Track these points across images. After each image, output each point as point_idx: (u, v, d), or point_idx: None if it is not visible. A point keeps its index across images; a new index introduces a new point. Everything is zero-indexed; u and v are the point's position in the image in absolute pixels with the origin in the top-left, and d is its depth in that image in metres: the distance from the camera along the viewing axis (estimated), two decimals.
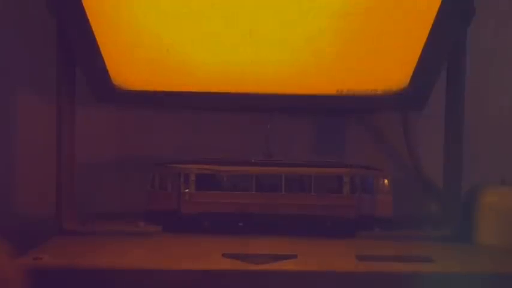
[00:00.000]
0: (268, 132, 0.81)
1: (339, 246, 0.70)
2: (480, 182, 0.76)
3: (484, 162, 0.89)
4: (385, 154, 0.92)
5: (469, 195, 0.76)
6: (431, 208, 0.89)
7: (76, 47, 0.72)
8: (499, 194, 0.74)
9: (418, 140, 0.89)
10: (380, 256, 0.65)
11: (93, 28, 0.71)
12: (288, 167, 0.75)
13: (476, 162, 0.84)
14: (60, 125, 0.73)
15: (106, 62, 0.74)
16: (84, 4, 0.70)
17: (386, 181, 0.76)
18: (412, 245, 0.71)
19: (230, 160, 0.77)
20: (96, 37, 0.72)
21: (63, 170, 0.73)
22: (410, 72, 0.75)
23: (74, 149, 0.75)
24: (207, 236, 0.72)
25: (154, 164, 0.77)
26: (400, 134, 0.89)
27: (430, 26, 0.72)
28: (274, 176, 0.74)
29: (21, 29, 0.89)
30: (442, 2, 0.70)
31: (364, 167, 0.77)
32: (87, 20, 0.71)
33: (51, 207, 0.72)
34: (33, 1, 0.85)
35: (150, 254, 0.64)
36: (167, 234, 0.73)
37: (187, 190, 0.74)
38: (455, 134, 0.75)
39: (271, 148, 0.81)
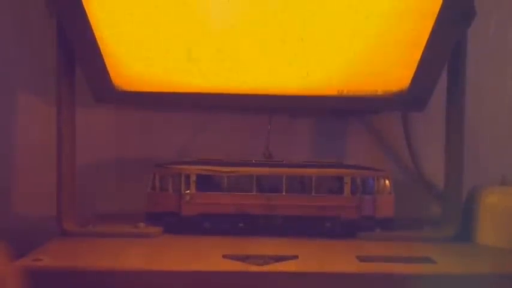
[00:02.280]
0: (269, 132, 0.81)
1: (340, 247, 0.69)
2: (481, 183, 0.76)
3: (485, 162, 0.89)
4: (385, 155, 0.92)
5: (470, 196, 0.76)
6: (432, 209, 0.89)
7: (76, 47, 0.72)
8: (499, 195, 0.73)
9: (419, 141, 0.89)
10: (381, 257, 0.64)
11: (94, 28, 0.71)
12: (288, 167, 0.75)
13: (477, 163, 0.84)
14: (60, 125, 0.72)
15: (106, 62, 0.73)
16: (84, 4, 0.69)
17: (387, 182, 0.75)
18: (413, 245, 0.71)
19: (231, 161, 0.76)
20: (96, 37, 0.72)
21: (64, 171, 0.72)
22: (411, 73, 0.75)
23: (75, 150, 0.75)
24: (208, 237, 0.72)
25: (155, 164, 0.76)
26: (401, 134, 0.89)
27: (431, 27, 0.72)
28: (274, 177, 0.74)
29: (21, 29, 0.89)
30: (442, 3, 0.70)
31: (365, 167, 0.77)
32: (88, 20, 0.70)
33: (51, 208, 0.72)
34: (33, 1, 0.85)
35: (151, 256, 0.64)
36: (168, 236, 0.73)
37: (187, 191, 0.74)
38: (456, 135, 0.75)
39: (272, 149, 0.81)
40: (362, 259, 0.63)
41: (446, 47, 0.73)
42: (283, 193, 0.74)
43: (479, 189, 0.75)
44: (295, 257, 0.64)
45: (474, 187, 0.76)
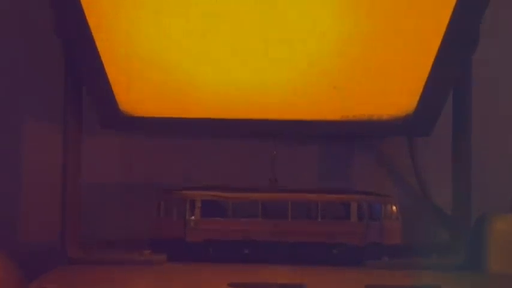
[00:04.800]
0: (274, 158, 0.80)
1: (348, 275, 0.68)
2: (489, 209, 0.75)
3: (494, 188, 0.88)
4: (392, 180, 0.91)
5: (479, 222, 0.75)
6: (441, 235, 0.88)
7: (83, 72, 0.73)
8: (508, 221, 0.73)
9: (426, 166, 0.88)
10: (390, 285, 0.64)
11: (101, 54, 0.71)
12: (294, 193, 0.75)
13: (486, 189, 0.83)
14: (66, 152, 0.72)
15: (113, 88, 0.74)
16: (92, 30, 0.70)
17: (394, 208, 0.74)
18: (422, 273, 0.69)
19: (236, 186, 0.76)
20: (104, 63, 0.72)
21: (69, 198, 0.72)
22: (417, 98, 0.75)
23: (80, 177, 0.74)
24: (213, 265, 0.71)
25: (160, 190, 0.76)
26: (408, 159, 0.88)
27: (436, 51, 0.72)
28: (280, 203, 0.74)
29: (30, 53, 0.89)
30: (447, 28, 0.70)
31: (372, 193, 0.76)
32: (95, 46, 0.71)
33: (56, 235, 0.72)
34: (42, 26, 0.85)
35: (155, 283, 0.63)
36: (172, 263, 0.72)
37: (192, 217, 0.73)
38: (463, 160, 0.74)
39: (277, 174, 0.80)
40: (371, 287, 0.62)
41: (452, 72, 0.73)
42: (289, 219, 0.73)
43: (488, 215, 0.74)
44: (303, 285, 0.62)
45: (483, 213, 0.75)
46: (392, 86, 0.75)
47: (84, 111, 0.75)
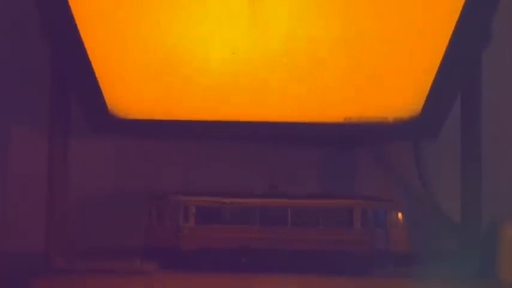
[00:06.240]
0: (274, 163, 0.79)
1: (352, 285, 0.66)
2: (500, 215, 0.73)
3: (505, 194, 0.85)
4: (397, 186, 0.88)
5: (489, 229, 0.72)
6: (449, 242, 0.85)
7: (70, 73, 0.71)
8: None
9: (434, 171, 0.86)
10: None
11: (89, 54, 0.70)
12: (294, 199, 0.72)
13: (496, 194, 0.81)
14: (52, 157, 0.70)
15: (102, 89, 0.72)
16: (79, 28, 0.68)
17: (400, 214, 0.72)
18: (431, 283, 0.66)
19: (233, 192, 0.73)
20: (92, 63, 0.70)
21: (54, 205, 0.70)
22: (423, 99, 0.73)
23: (67, 183, 0.72)
24: (208, 274, 0.67)
25: (153, 196, 0.73)
26: (413, 164, 0.85)
27: (444, 48, 0.70)
28: (279, 209, 0.71)
29: (14, 55, 0.87)
30: (456, 26, 0.68)
31: (376, 198, 0.73)
32: (83, 45, 0.69)
33: (41, 243, 0.70)
34: (27, 27, 0.84)
35: None
36: (165, 272, 0.69)
37: (186, 224, 0.70)
38: (472, 165, 0.72)
39: (277, 179, 0.77)
40: None
41: (460, 72, 0.71)
42: (289, 226, 0.70)
43: (499, 223, 0.72)
44: None
45: (494, 220, 0.73)
46: (397, 86, 0.73)
47: (74, 113, 0.73)
